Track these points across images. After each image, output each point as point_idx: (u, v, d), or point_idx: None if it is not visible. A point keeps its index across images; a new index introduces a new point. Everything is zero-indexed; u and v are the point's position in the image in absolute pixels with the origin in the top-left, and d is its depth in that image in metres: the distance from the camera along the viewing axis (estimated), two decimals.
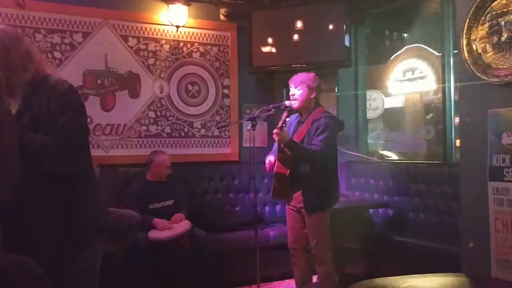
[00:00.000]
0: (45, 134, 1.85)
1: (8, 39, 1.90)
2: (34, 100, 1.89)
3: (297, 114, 3.67)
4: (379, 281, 2.14)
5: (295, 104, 3.53)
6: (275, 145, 3.68)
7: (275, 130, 3.35)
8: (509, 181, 2.33)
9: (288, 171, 3.43)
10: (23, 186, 1.83)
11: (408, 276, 2.19)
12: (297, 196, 3.54)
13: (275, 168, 3.52)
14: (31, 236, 1.86)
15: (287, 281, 4.26)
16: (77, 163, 1.96)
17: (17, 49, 1.91)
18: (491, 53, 2.39)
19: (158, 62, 4.71)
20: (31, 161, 1.82)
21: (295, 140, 3.44)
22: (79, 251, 1.96)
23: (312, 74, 3.60)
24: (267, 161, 3.59)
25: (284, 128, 3.40)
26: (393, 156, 5.28)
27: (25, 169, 1.81)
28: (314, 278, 3.71)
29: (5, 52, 1.87)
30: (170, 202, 4.14)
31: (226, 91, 5.05)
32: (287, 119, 3.43)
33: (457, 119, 4.15)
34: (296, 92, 3.53)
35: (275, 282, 4.34)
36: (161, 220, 3.93)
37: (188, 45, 4.86)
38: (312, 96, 3.56)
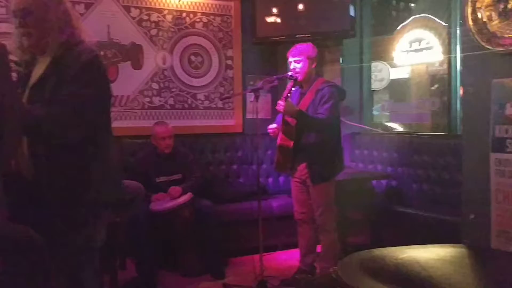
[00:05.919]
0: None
1: None
2: (61, 63, 1.92)
3: (297, 86, 3.65)
4: (378, 251, 2.14)
5: (297, 76, 3.50)
6: (279, 116, 3.67)
7: (279, 101, 3.34)
8: (511, 152, 2.31)
9: (292, 142, 3.43)
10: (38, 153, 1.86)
11: (407, 247, 2.19)
12: (302, 168, 3.54)
13: (278, 140, 3.51)
14: (40, 206, 1.87)
15: (289, 251, 4.30)
16: (78, 131, 1.93)
17: (57, 9, 1.94)
18: (496, 22, 2.33)
19: (160, 33, 4.67)
20: (29, 131, 1.83)
21: None
22: (86, 223, 1.97)
23: (310, 44, 3.57)
24: (270, 127, 3.58)
25: (289, 99, 3.39)
26: (398, 127, 5.24)
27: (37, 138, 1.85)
28: (318, 249, 3.75)
29: (44, 10, 1.90)
30: (177, 177, 4.10)
31: (229, 62, 5.00)
32: (293, 89, 3.43)
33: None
34: (297, 65, 3.51)
35: (278, 252, 4.40)
36: (160, 194, 3.92)
37: (191, 15, 4.80)
38: (313, 66, 3.56)
